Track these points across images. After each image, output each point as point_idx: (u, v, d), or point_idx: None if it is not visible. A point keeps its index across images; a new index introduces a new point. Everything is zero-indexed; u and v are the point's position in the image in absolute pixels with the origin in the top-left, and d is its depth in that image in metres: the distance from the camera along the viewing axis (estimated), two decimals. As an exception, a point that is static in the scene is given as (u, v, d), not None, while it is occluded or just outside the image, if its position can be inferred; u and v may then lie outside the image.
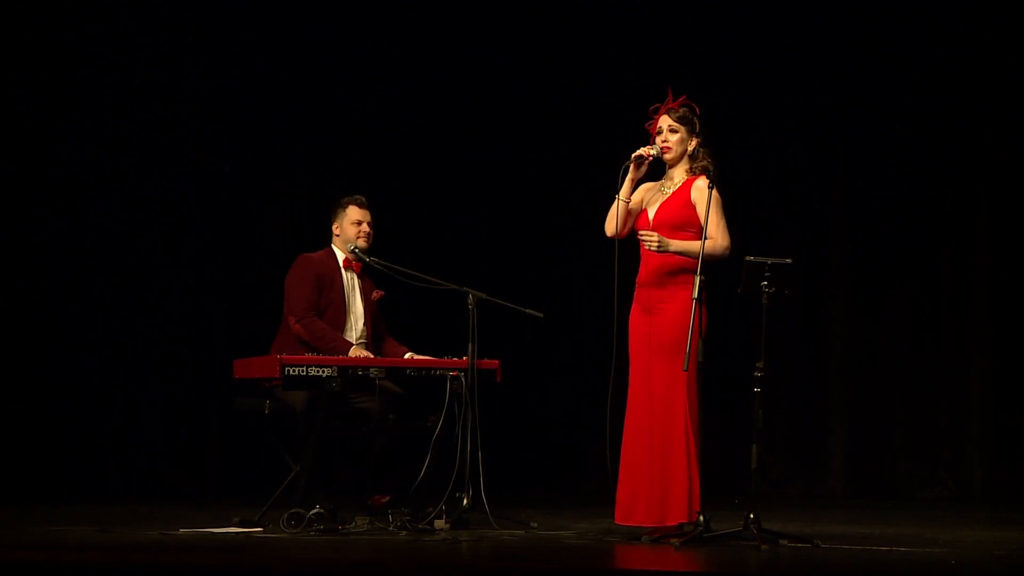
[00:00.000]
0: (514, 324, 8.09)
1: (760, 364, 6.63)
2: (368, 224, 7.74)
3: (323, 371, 7.21)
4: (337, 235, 7.76)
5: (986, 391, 9.93)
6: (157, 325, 9.64)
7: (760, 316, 6.67)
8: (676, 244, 6.76)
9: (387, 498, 7.36)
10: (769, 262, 6.64)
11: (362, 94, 9.97)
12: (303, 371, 7.20)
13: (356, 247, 7.68)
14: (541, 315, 7.61)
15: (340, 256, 7.76)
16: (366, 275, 7.81)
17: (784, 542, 6.57)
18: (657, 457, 6.79)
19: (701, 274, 6.62)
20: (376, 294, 7.81)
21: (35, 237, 9.21)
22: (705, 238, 6.68)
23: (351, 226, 7.73)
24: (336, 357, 7.37)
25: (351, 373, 7.28)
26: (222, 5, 9.58)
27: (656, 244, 6.76)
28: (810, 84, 10.00)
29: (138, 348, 9.57)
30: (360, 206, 7.75)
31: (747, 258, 6.71)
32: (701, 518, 6.63)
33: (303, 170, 9.77)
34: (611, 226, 6.97)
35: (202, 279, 9.74)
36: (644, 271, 6.91)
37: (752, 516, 6.57)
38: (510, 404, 9.18)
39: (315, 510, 6.98)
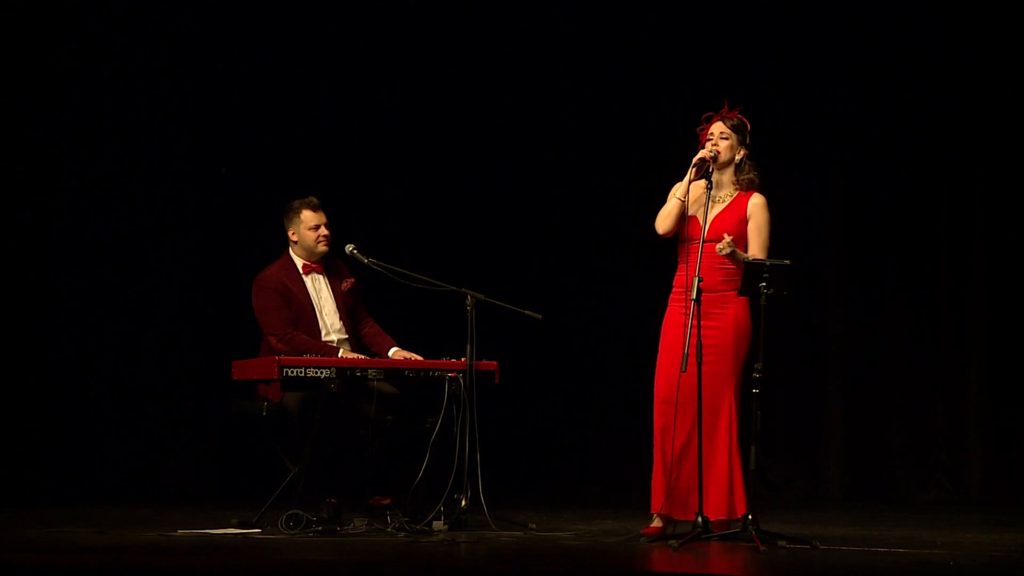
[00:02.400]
0: (513, 325, 8.03)
1: (758, 366, 6.64)
2: (325, 226, 7.61)
3: (321, 372, 7.19)
4: (295, 242, 7.63)
5: (984, 393, 9.87)
6: (155, 326, 9.60)
7: (758, 317, 6.69)
8: (740, 255, 6.87)
9: (388, 500, 7.34)
10: (768, 263, 6.67)
11: (361, 94, 9.95)
12: (301, 372, 7.18)
13: (353, 251, 7.61)
14: (539, 316, 7.59)
15: (299, 263, 7.65)
16: (332, 269, 7.70)
17: (782, 543, 6.56)
18: (706, 454, 6.83)
19: (700, 277, 6.70)
20: (347, 284, 7.70)
21: (34, 238, 9.19)
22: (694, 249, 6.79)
23: (309, 232, 7.59)
24: (334, 359, 7.34)
25: (349, 374, 7.26)
26: (223, 5, 9.56)
27: (730, 250, 6.82)
28: (808, 85, 9.98)
29: (136, 349, 9.54)
30: (314, 209, 7.59)
31: (744, 259, 6.80)
32: (700, 519, 6.65)
33: (302, 170, 9.72)
34: (667, 225, 7.05)
35: (201, 280, 9.71)
36: (692, 276, 6.92)
37: (750, 517, 6.58)
38: (508, 405, 9.10)
39: (318, 512, 7.02)
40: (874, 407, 10.07)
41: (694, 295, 6.67)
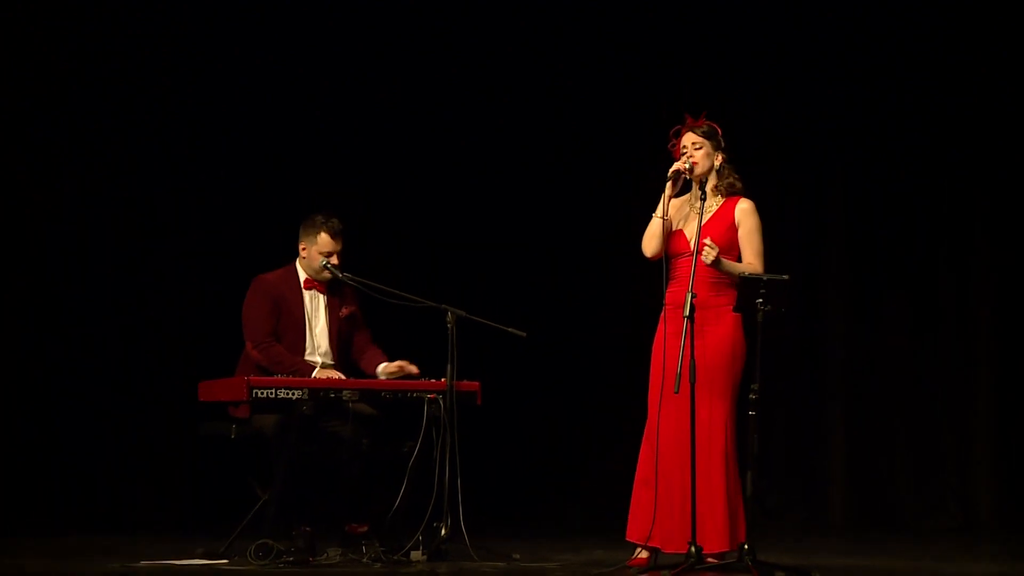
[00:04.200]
0: (496, 344, 7.89)
1: (755, 386, 6.51)
2: (337, 255, 7.48)
3: (293, 393, 7.06)
4: (304, 257, 7.53)
5: (992, 412, 9.76)
6: (118, 344, 9.47)
7: (755, 335, 6.57)
8: (727, 264, 6.76)
9: (364, 528, 7.20)
10: (765, 278, 6.55)
11: (341, 106, 9.91)
12: (272, 393, 7.05)
13: (328, 263, 7.46)
14: (524, 334, 7.43)
15: (302, 276, 7.54)
16: (335, 291, 7.60)
17: (781, 574, 6.42)
18: (700, 483, 6.65)
19: (693, 293, 6.56)
20: (346, 310, 7.58)
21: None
22: (690, 258, 6.66)
23: (319, 256, 7.46)
24: (307, 379, 7.22)
25: (322, 396, 7.13)
26: (223, 5, 9.61)
27: (714, 256, 6.68)
28: (808, 85, 9.95)
29: (98, 371, 9.41)
30: (333, 236, 7.45)
31: (740, 275, 6.67)
32: (693, 549, 6.46)
33: (274, 186, 9.66)
34: (653, 246, 6.94)
35: (168, 296, 9.59)
36: (686, 293, 6.76)
37: (747, 547, 6.43)
38: (491, 428, 8.97)
39: (290, 541, 6.91)
40: (877, 428, 9.96)
41: (687, 312, 6.52)
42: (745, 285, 6.55)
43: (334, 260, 7.44)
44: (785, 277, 6.54)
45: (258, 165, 9.62)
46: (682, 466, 6.67)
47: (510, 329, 7.40)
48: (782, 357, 9.69)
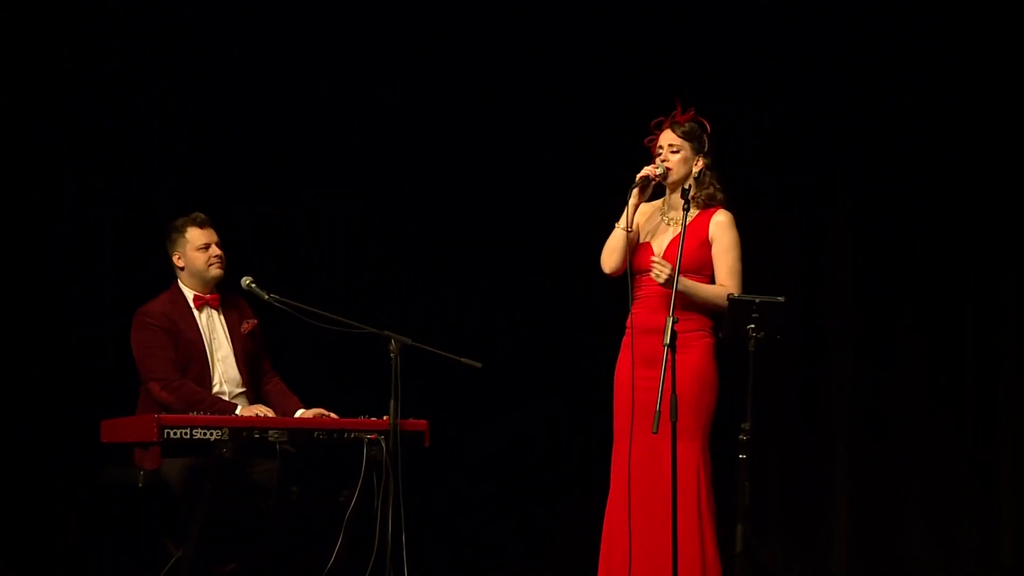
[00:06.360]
0: (446, 376, 7.56)
1: (746, 425, 6.20)
2: (217, 245, 7.10)
3: (211, 434, 6.62)
4: (182, 268, 7.13)
5: (1018, 457, 9.22)
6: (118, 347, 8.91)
7: (746, 365, 6.25)
8: (686, 284, 6.38)
9: None
10: (757, 300, 6.28)
11: (341, 106, 9.67)
12: (186, 433, 6.59)
13: (251, 284, 6.98)
14: (479, 365, 7.01)
15: (189, 294, 7.10)
16: (232, 304, 7.19)
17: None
18: (668, 532, 6.28)
19: (675, 317, 6.12)
20: (247, 325, 7.15)
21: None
22: (674, 283, 6.19)
23: (197, 253, 7.05)
24: (227, 417, 6.76)
25: (245, 436, 6.68)
26: (223, 5, 9.41)
27: (666, 277, 6.31)
28: (806, 91, 9.63)
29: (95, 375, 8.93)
30: (201, 226, 7.09)
31: (730, 295, 6.39)
32: None
33: (274, 186, 9.45)
34: (613, 261, 6.62)
35: (69, 323, 9.10)
36: (651, 315, 6.52)
37: None
38: (441, 473, 8.70)
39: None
40: (886, 474, 9.42)
41: (667, 339, 6.06)
42: (735, 308, 6.22)
43: (216, 251, 7.08)
44: (781, 299, 6.24)
45: (258, 165, 9.51)
46: (655, 517, 6.37)
47: (463, 359, 6.99)
48: (775, 388, 9.27)
